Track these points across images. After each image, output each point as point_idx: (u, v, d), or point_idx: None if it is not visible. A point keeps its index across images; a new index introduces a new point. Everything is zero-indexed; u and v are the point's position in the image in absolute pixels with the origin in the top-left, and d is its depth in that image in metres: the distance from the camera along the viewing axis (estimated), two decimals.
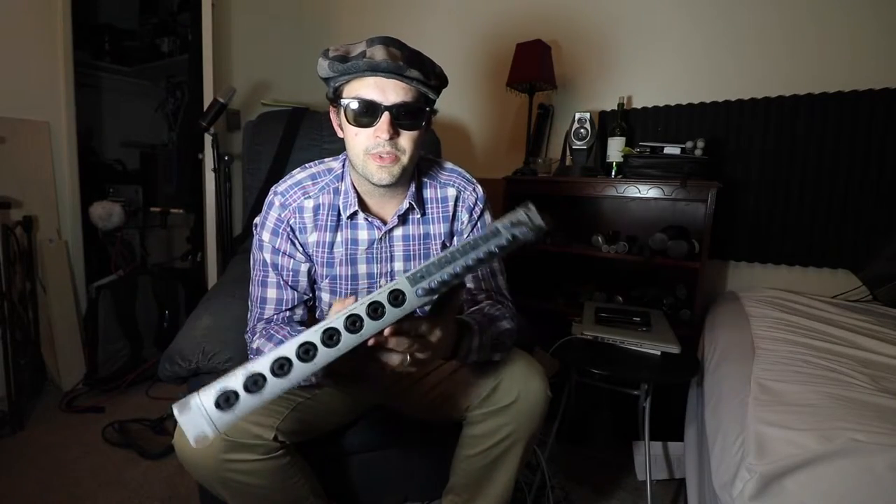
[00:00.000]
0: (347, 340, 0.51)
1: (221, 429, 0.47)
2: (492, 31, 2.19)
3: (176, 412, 0.46)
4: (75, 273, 1.98)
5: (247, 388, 0.48)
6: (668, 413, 1.49)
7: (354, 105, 0.76)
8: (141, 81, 2.88)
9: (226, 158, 1.99)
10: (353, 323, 0.52)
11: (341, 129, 0.83)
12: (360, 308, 0.53)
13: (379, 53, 0.73)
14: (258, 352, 0.85)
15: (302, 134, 1.59)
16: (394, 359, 0.66)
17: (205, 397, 0.47)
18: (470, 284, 0.96)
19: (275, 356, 0.50)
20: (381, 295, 0.53)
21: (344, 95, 0.78)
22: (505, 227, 0.58)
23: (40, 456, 1.47)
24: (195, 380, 1.01)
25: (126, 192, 2.35)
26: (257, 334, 0.86)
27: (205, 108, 1.93)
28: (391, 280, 0.91)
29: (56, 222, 1.92)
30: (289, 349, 0.50)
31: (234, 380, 0.48)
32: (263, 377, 0.48)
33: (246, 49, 2.28)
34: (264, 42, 2.37)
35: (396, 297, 0.53)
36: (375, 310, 0.53)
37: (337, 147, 1.61)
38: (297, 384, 0.77)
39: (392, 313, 0.53)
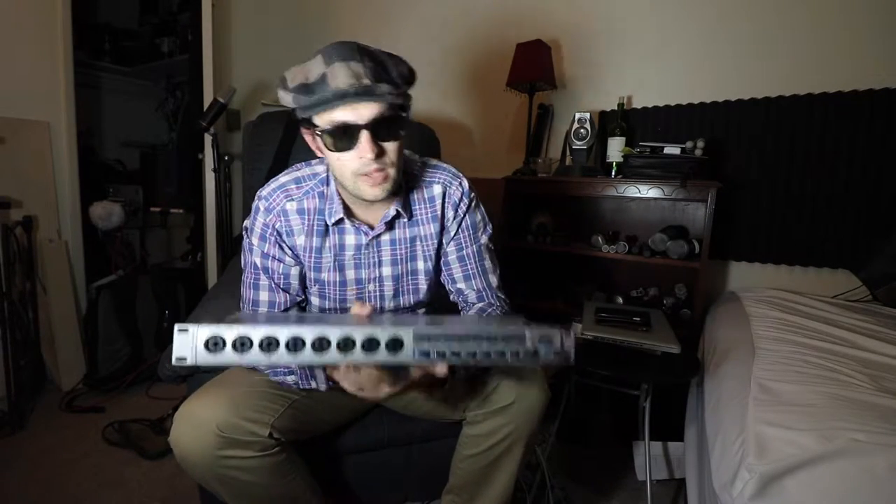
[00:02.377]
0: (332, 356, 0.55)
1: (199, 363, 0.53)
2: (492, 31, 2.19)
3: (176, 330, 0.53)
4: (75, 273, 1.98)
5: (234, 346, 0.54)
6: (668, 413, 1.49)
7: (330, 131, 0.73)
8: (141, 81, 2.88)
9: (226, 158, 1.99)
10: (346, 345, 0.55)
11: (321, 151, 0.80)
12: (358, 334, 0.56)
13: (342, 77, 0.68)
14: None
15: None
16: (348, 386, 0.71)
17: (201, 332, 0.53)
18: (461, 285, 0.95)
19: (268, 333, 0.54)
20: (383, 333, 0.56)
21: (316, 122, 0.74)
22: (532, 338, 0.58)
23: (40, 456, 1.47)
24: (194, 379, 1.01)
25: (126, 192, 2.34)
26: None
27: (205, 108, 1.93)
28: (379, 285, 0.91)
29: (56, 222, 1.92)
30: (282, 334, 0.54)
31: (229, 333, 0.53)
32: (251, 344, 0.54)
33: (246, 49, 2.28)
34: (264, 42, 2.37)
35: (395, 345, 0.56)
36: (370, 343, 0.56)
37: None
38: (275, 366, 0.82)
39: (382, 356, 0.56)
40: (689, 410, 1.41)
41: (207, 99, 1.98)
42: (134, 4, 2.82)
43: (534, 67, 1.84)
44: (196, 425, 0.74)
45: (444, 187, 0.92)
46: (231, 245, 2.04)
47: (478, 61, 2.23)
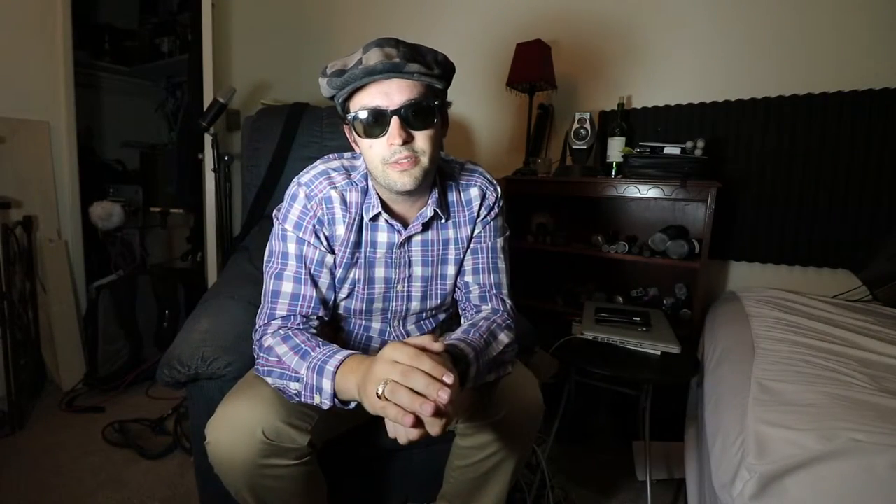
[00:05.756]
0: None
1: None
2: (492, 31, 2.19)
3: None
4: (75, 273, 1.97)
5: None
6: (668, 413, 1.49)
7: (361, 116, 0.73)
8: (141, 81, 2.88)
9: (226, 158, 1.99)
10: None
11: (356, 144, 0.80)
12: None
13: (373, 57, 0.69)
14: (269, 350, 0.76)
15: (302, 130, 1.57)
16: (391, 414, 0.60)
17: None
18: (467, 278, 0.93)
19: None
20: None
21: (350, 110, 0.75)
22: None
23: (40, 456, 1.47)
24: (194, 385, 1.00)
25: (126, 192, 2.35)
26: (269, 333, 0.79)
27: (205, 108, 1.93)
28: (408, 286, 0.89)
29: (56, 222, 1.92)
30: None
31: None
32: None
33: (246, 49, 2.27)
34: (264, 42, 2.37)
35: None
36: None
37: (336, 144, 1.61)
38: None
39: None
40: (689, 410, 1.41)
41: (207, 99, 1.98)
42: (134, 4, 2.82)
43: (534, 67, 1.84)
44: (239, 429, 0.71)
45: (482, 191, 0.91)
46: (231, 245, 2.04)
47: (478, 61, 2.23)
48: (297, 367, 0.72)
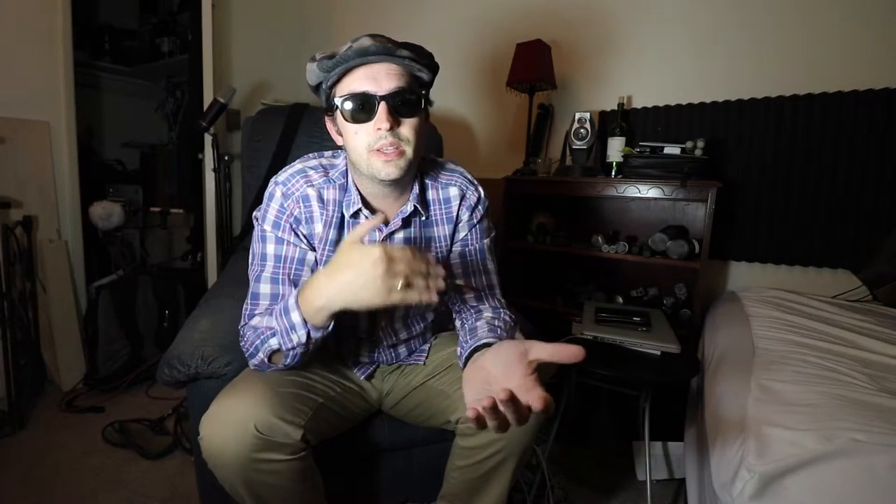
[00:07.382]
0: None
1: None
2: (492, 31, 2.19)
3: None
4: (75, 273, 1.97)
5: None
6: (668, 413, 1.49)
7: (349, 101, 0.74)
8: (141, 81, 2.88)
9: (226, 158, 1.99)
10: None
11: (340, 135, 0.80)
12: None
13: (365, 42, 0.72)
14: (246, 334, 0.80)
15: (302, 131, 1.58)
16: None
17: None
18: (459, 281, 0.93)
19: None
20: None
21: (337, 95, 0.76)
22: None
23: (40, 456, 1.47)
24: (194, 384, 1.00)
25: (126, 192, 2.34)
26: (247, 325, 0.82)
27: (205, 108, 1.94)
28: None
29: (56, 222, 1.92)
30: None
31: None
32: None
33: (246, 49, 2.28)
34: (264, 42, 2.37)
35: None
36: None
37: (336, 145, 1.61)
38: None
39: None
40: (689, 410, 1.41)
41: (207, 99, 1.98)
42: (134, 4, 2.82)
43: (534, 67, 1.84)
44: (232, 424, 0.72)
45: (461, 190, 0.92)
46: (231, 245, 2.04)
47: (478, 61, 2.23)
48: (269, 323, 0.77)
